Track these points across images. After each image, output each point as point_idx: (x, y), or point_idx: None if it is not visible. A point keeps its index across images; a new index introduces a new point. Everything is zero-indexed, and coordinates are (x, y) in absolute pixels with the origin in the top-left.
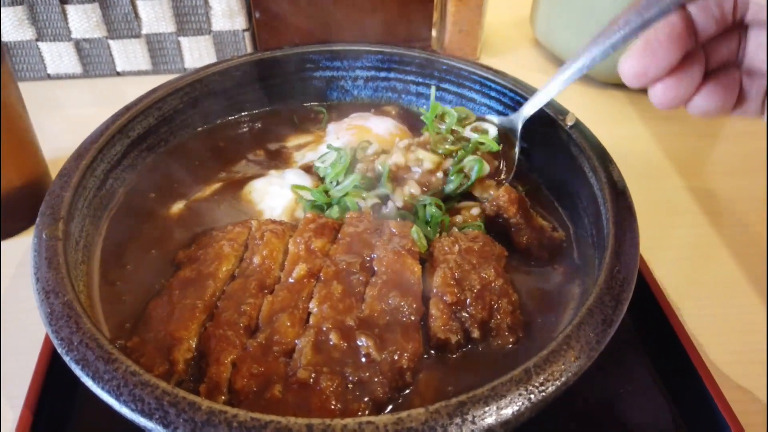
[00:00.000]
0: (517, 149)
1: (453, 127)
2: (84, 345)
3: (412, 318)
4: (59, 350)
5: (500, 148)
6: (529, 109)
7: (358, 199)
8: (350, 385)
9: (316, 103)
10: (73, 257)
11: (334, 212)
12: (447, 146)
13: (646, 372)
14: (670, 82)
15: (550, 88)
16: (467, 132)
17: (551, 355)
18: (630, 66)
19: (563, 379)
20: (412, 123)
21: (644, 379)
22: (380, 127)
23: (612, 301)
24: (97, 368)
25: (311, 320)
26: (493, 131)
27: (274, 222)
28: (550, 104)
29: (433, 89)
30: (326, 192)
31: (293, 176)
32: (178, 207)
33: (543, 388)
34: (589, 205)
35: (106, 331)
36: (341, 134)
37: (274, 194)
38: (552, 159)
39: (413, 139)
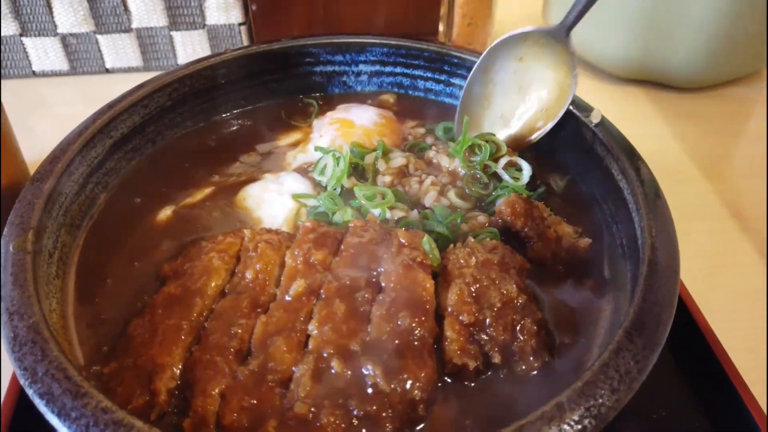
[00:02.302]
0: (574, 73)
1: (485, 162)
2: (49, 376)
3: (425, 341)
4: (21, 381)
5: (532, 194)
6: (574, 16)
7: (380, 210)
8: (355, 421)
9: (312, 95)
10: (44, 272)
11: (347, 215)
12: (479, 189)
13: (681, 396)
14: None
15: None
16: (499, 169)
17: (587, 387)
18: None
19: (601, 414)
20: (411, 109)
21: (680, 404)
22: (362, 117)
23: (653, 323)
24: (64, 404)
25: (310, 344)
26: (527, 170)
27: (269, 231)
28: (573, 100)
29: (466, 119)
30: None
31: (291, 181)
32: (165, 214)
33: (579, 426)
34: (618, 212)
35: (80, 356)
36: (324, 130)
37: (272, 201)
38: (575, 160)
39: (446, 167)
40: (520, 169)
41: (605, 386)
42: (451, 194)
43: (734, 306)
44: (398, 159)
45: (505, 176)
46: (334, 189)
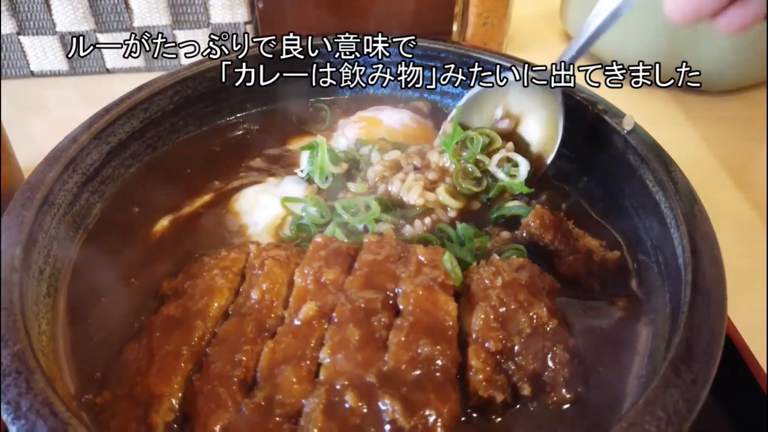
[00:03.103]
0: (561, 118)
1: (477, 157)
2: (34, 412)
3: (447, 371)
4: (4, 417)
5: (532, 191)
6: (570, 55)
7: (368, 223)
8: None
9: (322, 98)
10: (34, 290)
11: (338, 234)
12: (470, 185)
13: (718, 422)
14: None
15: (591, 29)
16: (493, 166)
17: (632, 429)
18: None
19: None
20: (443, 116)
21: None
22: (393, 118)
23: (703, 354)
24: None
25: (322, 374)
26: (524, 166)
27: (277, 246)
28: (603, 105)
29: (456, 110)
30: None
31: (289, 185)
32: (164, 225)
33: None
34: (653, 226)
35: (70, 384)
36: (348, 128)
37: (262, 205)
38: (605, 169)
39: (435, 162)
40: (516, 165)
41: (653, 427)
42: (441, 190)
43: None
44: (393, 153)
45: (500, 174)
46: (325, 179)
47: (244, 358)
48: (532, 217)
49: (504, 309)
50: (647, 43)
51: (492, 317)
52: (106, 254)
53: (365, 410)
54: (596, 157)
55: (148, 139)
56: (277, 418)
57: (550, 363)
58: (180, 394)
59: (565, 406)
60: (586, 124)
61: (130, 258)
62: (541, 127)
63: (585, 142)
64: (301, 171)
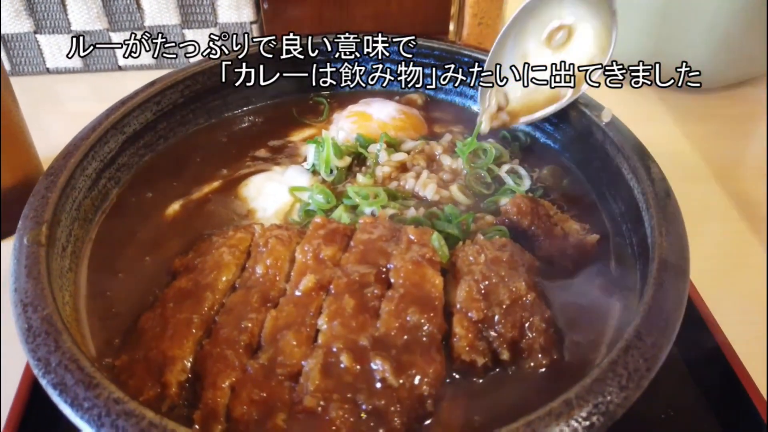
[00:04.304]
0: (614, 29)
1: (489, 165)
2: (63, 367)
3: (433, 337)
4: (35, 372)
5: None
6: None
7: (374, 208)
8: (364, 415)
9: (323, 92)
10: (58, 265)
11: (345, 218)
12: (482, 189)
13: (690, 396)
14: None
15: None
16: (503, 172)
17: (595, 384)
18: None
19: (610, 412)
20: (439, 113)
21: (689, 403)
22: (382, 112)
23: (662, 321)
24: (77, 394)
25: (320, 339)
26: (526, 179)
27: (279, 227)
28: (584, 99)
29: (479, 123)
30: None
31: (294, 174)
32: (175, 208)
33: (587, 423)
34: (627, 210)
35: (92, 348)
36: (342, 123)
37: (269, 192)
38: (585, 159)
39: (449, 165)
40: (521, 177)
41: (614, 383)
42: (454, 188)
43: (745, 308)
44: (400, 155)
45: (508, 180)
46: (330, 173)
47: (249, 325)
48: (510, 205)
49: (486, 282)
50: (634, 41)
51: (475, 290)
52: (122, 235)
53: (358, 369)
54: (579, 147)
55: (160, 130)
56: (279, 377)
57: (527, 331)
58: (191, 357)
59: (541, 370)
60: (568, 116)
61: (144, 238)
62: (593, 36)
63: (568, 133)
64: (307, 164)
